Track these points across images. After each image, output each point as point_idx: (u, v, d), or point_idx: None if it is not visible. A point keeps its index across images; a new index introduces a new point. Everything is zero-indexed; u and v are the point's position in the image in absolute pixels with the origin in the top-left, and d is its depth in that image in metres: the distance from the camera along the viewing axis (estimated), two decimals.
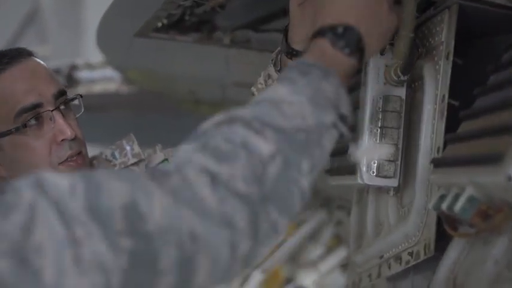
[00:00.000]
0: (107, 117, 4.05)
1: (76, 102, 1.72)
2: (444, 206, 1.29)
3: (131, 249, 0.89)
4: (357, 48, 1.19)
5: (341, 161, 1.92)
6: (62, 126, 1.64)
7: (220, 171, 0.96)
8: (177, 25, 2.14)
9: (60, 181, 0.91)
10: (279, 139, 1.02)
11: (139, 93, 3.57)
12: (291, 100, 1.07)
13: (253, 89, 1.70)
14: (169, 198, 0.92)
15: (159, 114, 4.07)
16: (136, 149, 1.82)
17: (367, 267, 1.89)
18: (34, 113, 1.63)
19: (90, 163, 1.78)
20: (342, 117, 1.12)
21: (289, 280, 4.05)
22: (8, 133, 1.64)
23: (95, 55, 3.52)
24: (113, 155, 1.82)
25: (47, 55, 6.99)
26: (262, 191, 0.97)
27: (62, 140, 1.64)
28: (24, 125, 1.63)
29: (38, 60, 1.71)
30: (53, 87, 1.66)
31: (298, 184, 1.02)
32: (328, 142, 1.09)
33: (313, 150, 1.05)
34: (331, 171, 1.88)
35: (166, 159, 1.82)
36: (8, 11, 8.05)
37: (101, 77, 3.50)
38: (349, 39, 1.18)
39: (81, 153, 1.67)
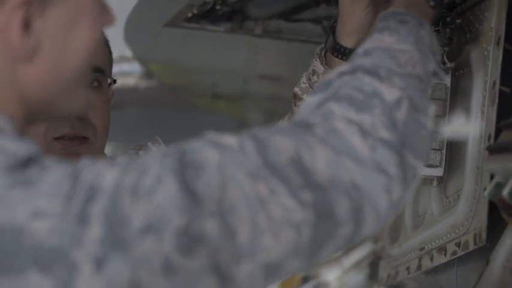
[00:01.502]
0: (123, 115, 4.03)
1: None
2: (505, 193, 1.26)
3: (313, 202, 0.88)
4: (439, 1, 1.28)
5: None
6: None
7: (362, 120, 0.97)
8: (208, 15, 2.11)
9: (229, 140, 0.89)
10: (403, 85, 1.04)
11: (157, 89, 3.54)
12: (401, 48, 1.10)
13: (296, 89, 1.66)
14: (327, 148, 0.92)
15: (174, 112, 4.05)
16: (163, 149, 1.77)
17: (405, 260, 1.86)
18: None
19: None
20: (438, 64, 1.17)
21: (306, 279, 4.03)
22: None
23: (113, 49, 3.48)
24: (137, 154, 1.76)
25: None
26: (399, 137, 0.99)
27: None
28: None
29: None
30: None
31: (426, 127, 1.03)
32: (430, 89, 1.15)
33: (428, 95, 1.09)
34: None
35: None
36: None
37: (119, 72, 3.47)
38: None
39: (86, 140, 1.58)
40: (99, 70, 1.59)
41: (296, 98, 1.66)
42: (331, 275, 3.78)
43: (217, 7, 2.03)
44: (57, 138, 1.55)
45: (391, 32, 1.14)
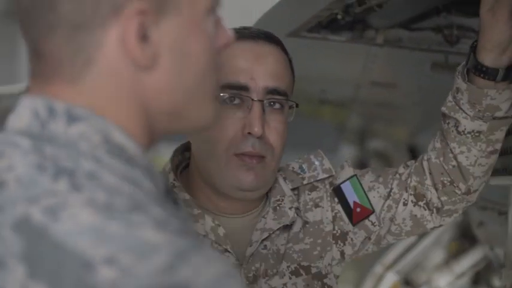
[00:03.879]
0: None
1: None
2: None
3: None
4: None
5: (503, 161, 1.89)
6: (253, 120, 1.58)
7: None
8: (329, 25, 2.14)
9: None
10: None
11: None
12: None
13: (443, 108, 1.70)
14: None
15: None
16: (327, 164, 1.79)
17: None
18: (235, 93, 1.60)
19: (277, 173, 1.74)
20: None
21: (408, 283, 4.04)
22: None
23: None
24: (300, 168, 1.79)
25: None
26: None
27: (248, 133, 1.59)
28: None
29: (282, 52, 1.67)
30: (272, 82, 1.61)
31: None
32: None
33: None
34: (493, 172, 1.85)
35: (354, 175, 1.79)
36: None
37: None
38: None
39: (263, 159, 1.62)
40: (283, 93, 1.63)
41: (445, 116, 1.70)
42: (442, 280, 3.77)
43: (339, 17, 2.05)
44: (238, 154, 1.61)
45: None
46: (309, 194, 1.77)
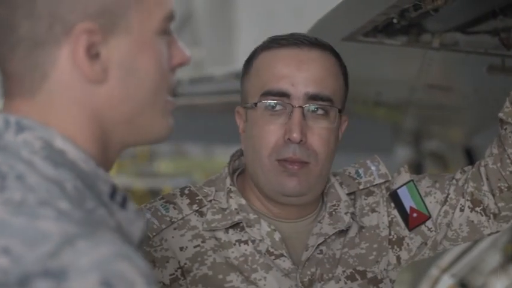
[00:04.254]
0: None
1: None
2: None
3: None
4: None
5: None
6: (292, 126, 1.59)
7: None
8: (384, 29, 2.14)
9: None
10: None
11: None
12: None
13: (500, 114, 1.69)
14: None
15: None
16: (383, 169, 1.80)
17: None
18: (276, 100, 1.62)
19: (332, 177, 1.75)
20: None
21: (463, 285, 4.01)
22: (249, 106, 1.65)
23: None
24: (357, 172, 1.80)
25: (202, 57, 7.15)
26: None
27: (289, 139, 1.60)
28: (255, 104, 1.63)
29: (330, 57, 1.66)
30: (314, 88, 1.61)
31: None
32: None
33: None
34: None
35: (411, 181, 1.79)
36: None
37: None
38: None
39: (306, 165, 1.62)
40: (326, 99, 1.63)
41: (503, 122, 1.70)
42: (498, 284, 3.74)
43: (395, 21, 2.05)
44: (280, 160, 1.62)
45: None
46: (365, 199, 1.77)
